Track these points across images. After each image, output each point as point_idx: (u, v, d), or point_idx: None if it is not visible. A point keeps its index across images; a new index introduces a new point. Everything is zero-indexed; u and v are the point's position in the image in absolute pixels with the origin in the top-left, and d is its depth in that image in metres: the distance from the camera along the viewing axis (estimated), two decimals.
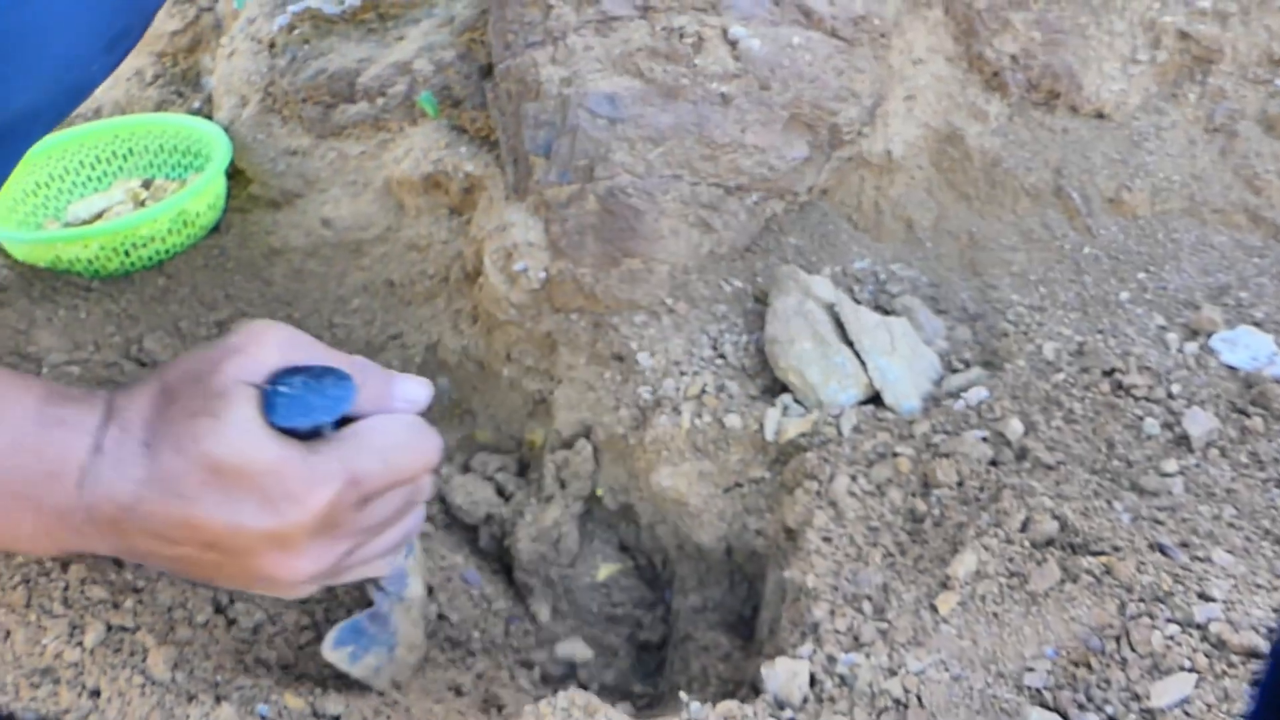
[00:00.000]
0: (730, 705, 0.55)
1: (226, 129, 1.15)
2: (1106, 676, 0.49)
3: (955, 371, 0.79)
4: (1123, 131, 0.87)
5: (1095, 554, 0.55)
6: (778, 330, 0.80)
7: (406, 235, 1.06)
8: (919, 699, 0.52)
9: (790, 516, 0.69)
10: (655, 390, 0.81)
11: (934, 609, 0.56)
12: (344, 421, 0.46)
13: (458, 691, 0.78)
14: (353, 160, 1.10)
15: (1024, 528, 0.59)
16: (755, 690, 0.59)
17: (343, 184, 1.10)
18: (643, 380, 0.82)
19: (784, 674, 0.55)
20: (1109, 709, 0.48)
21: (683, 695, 0.59)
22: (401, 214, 1.08)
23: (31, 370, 0.93)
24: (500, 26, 0.94)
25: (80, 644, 0.61)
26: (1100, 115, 0.89)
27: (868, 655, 0.55)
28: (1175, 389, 0.68)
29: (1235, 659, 0.48)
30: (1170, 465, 0.63)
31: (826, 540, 0.65)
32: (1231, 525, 0.57)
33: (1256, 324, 0.73)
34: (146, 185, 1.14)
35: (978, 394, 0.73)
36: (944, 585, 0.58)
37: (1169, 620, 0.50)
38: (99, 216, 1.08)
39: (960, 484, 0.65)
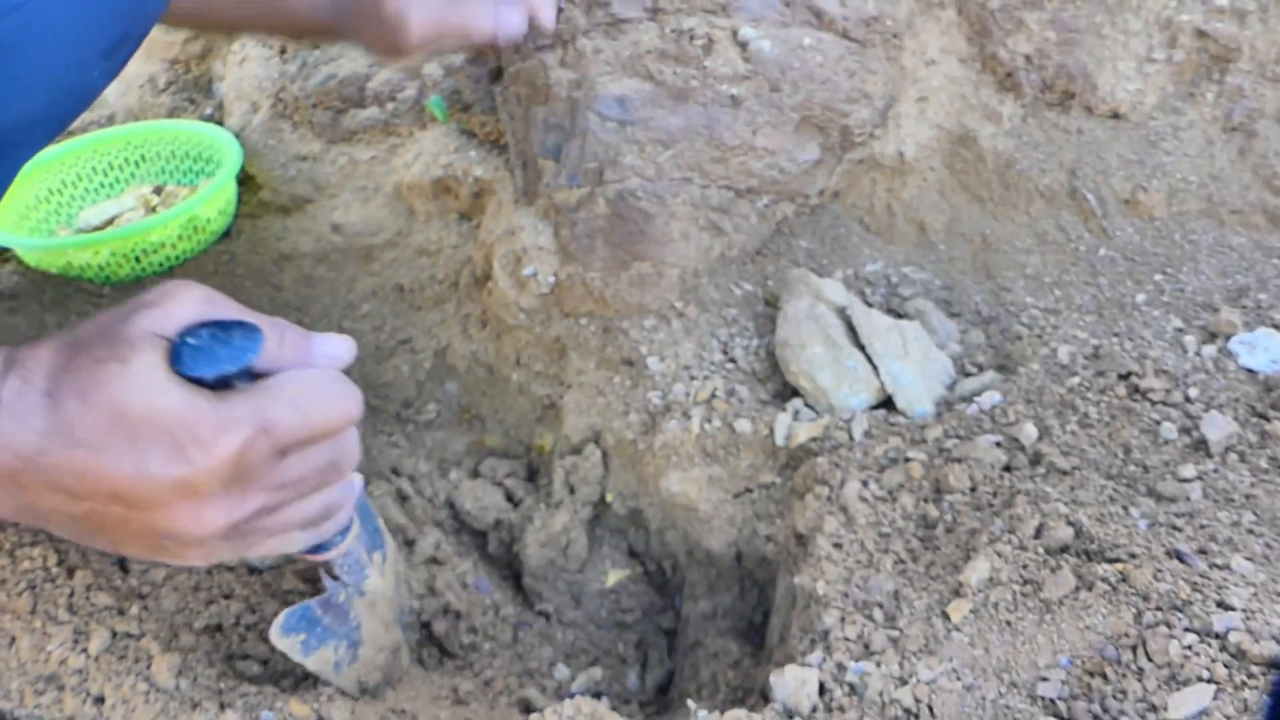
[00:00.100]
0: (738, 714, 0.54)
1: (237, 135, 1.15)
2: (1123, 687, 0.48)
3: (968, 375, 0.78)
4: (1139, 132, 0.86)
5: (1111, 561, 0.54)
6: (788, 334, 0.79)
7: (416, 240, 1.06)
8: (930, 709, 0.51)
9: (801, 522, 0.68)
10: (665, 395, 0.80)
11: (946, 617, 0.55)
12: (258, 379, 0.45)
13: (465, 698, 0.78)
14: (363, 165, 1.10)
15: (1038, 534, 0.58)
16: (765, 698, 0.58)
17: (353, 189, 1.10)
18: (652, 385, 0.82)
19: (793, 682, 0.55)
20: None
21: (690, 703, 0.58)
22: (411, 219, 1.07)
23: None
24: None
25: (85, 650, 0.61)
26: (1116, 115, 0.87)
27: (878, 664, 0.54)
28: (1193, 392, 0.67)
29: (1255, 670, 0.47)
30: (1188, 470, 0.61)
31: (837, 546, 0.64)
32: (1251, 532, 0.56)
33: (1276, 326, 0.72)
34: (158, 191, 1.14)
35: (991, 398, 0.72)
36: (956, 592, 0.57)
37: (1187, 629, 0.49)
38: (110, 223, 1.09)
39: (973, 489, 0.64)
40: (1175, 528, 0.57)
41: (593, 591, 0.86)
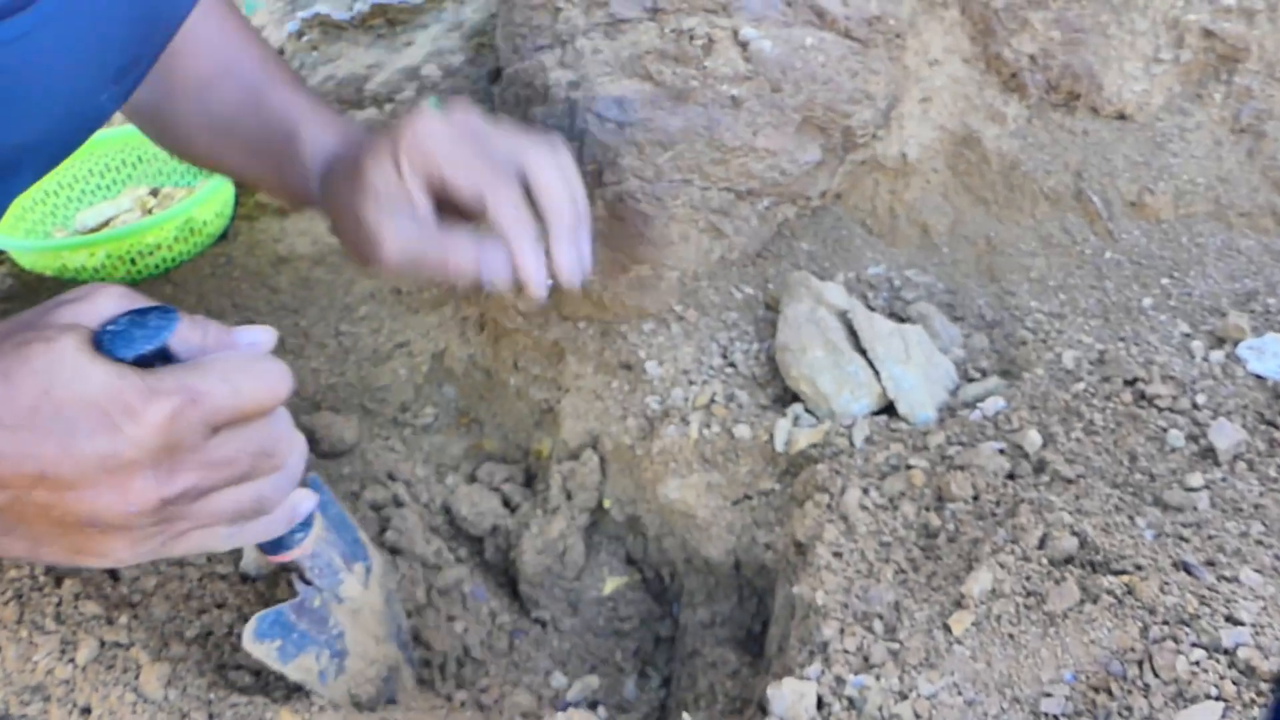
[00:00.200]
0: None
1: None
2: (1128, 703, 0.47)
3: (972, 381, 0.76)
4: (1145, 133, 0.85)
5: (1116, 573, 0.53)
6: (789, 338, 0.78)
7: None
8: None
9: (800, 530, 0.67)
10: (663, 400, 0.79)
11: (947, 629, 0.54)
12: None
13: (461, 707, 0.77)
14: None
15: (1042, 544, 0.57)
16: (762, 710, 0.57)
17: None
18: (651, 390, 0.80)
19: (790, 696, 0.53)
20: None
21: (686, 716, 0.57)
22: None
23: None
24: (508, 30, 0.93)
25: (72, 660, 0.60)
26: (1122, 116, 0.86)
27: (878, 677, 0.53)
28: (1200, 399, 0.66)
29: (1264, 686, 0.45)
30: (1195, 479, 0.60)
31: (837, 555, 0.63)
32: (1260, 543, 0.55)
33: None
34: (154, 193, 1.13)
35: (994, 404, 0.70)
36: (958, 604, 0.55)
37: (1194, 644, 0.48)
38: (106, 224, 1.08)
39: (975, 498, 0.63)
40: (1182, 538, 0.56)
41: (590, 599, 0.85)
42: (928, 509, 0.63)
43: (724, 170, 0.84)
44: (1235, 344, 0.70)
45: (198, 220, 1.04)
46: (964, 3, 0.90)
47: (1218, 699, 0.45)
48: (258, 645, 0.60)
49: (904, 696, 0.51)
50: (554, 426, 0.89)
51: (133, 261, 1.02)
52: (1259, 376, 0.67)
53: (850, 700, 0.52)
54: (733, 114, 0.83)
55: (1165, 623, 0.49)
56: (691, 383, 0.79)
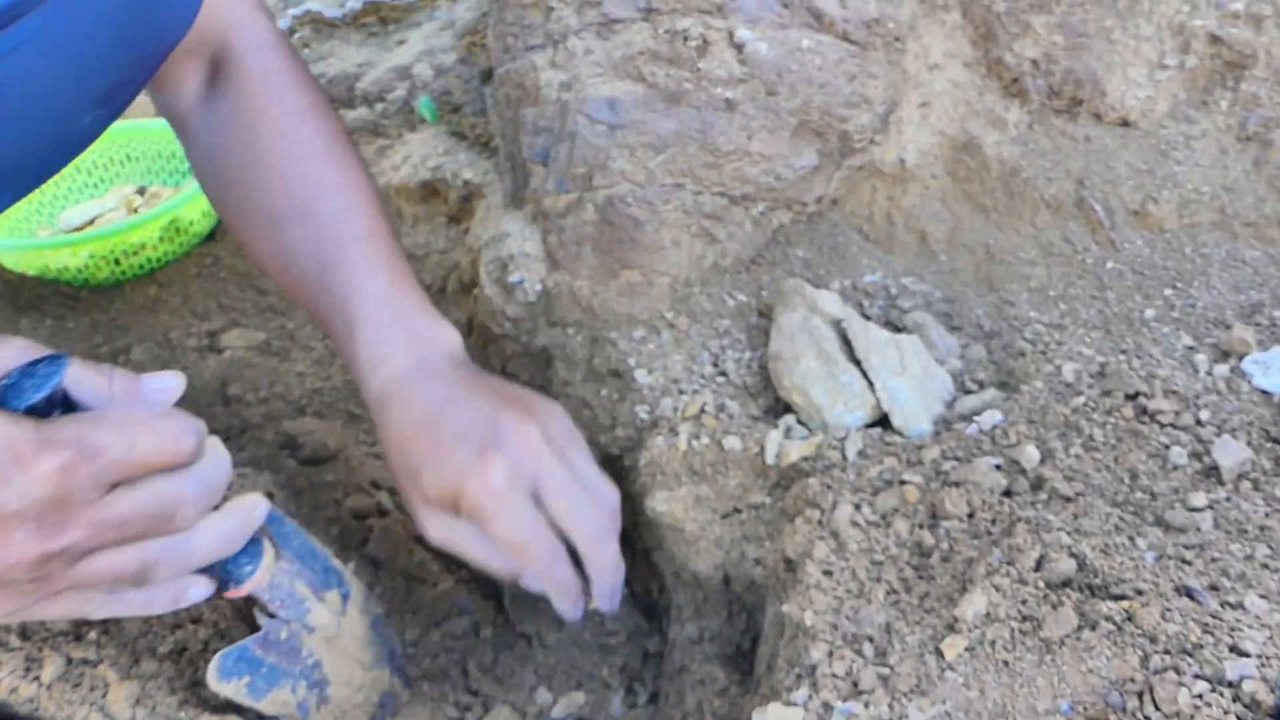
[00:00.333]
0: None
1: None
2: None
3: (969, 393, 0.74)
4: (1149, 140, 0.83)
5: (1116, 598, 0.51)
6: (781, 347, 0.76)
7: (404, 244, 1.03)
8: None
9: (790, 547, 0.65)
10: (653, 410, 0.77)
11: (939, 654, 0.52)
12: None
13: None
14: None
15: (1038, 566, 0.55)
16: None
17: None
18: (640, 399, 0.79)
19: None
20: None
21: None
22: (399, 222, 1.05)
23: None
24: (500, 29, 0.91)
25: (37, 678, 0.58)
26: (1125, 123, 0.84)
27: (867, 704, 0.51)
28: (1204, 415, 0.64)
29: None
30: (1198, 499, 0.58)
31: (827, 574, 0.61)
32: (1265, 566, 0.53)
33: None
34: (141, 192, 1.12)
35: (992, 417, 0.68)
36: (951, 628, 0.53)
37: (1197, 676, 0.46)
38: (91, 223, 1.06)
39: (971, 515, 0.61)
40: (1185, 561, 0.54)
41: None
42: (921, 526, 0.61)
43: (717, 174, 0.82)
44: (1240, 358, 0.69)
45: (184, 220, 1.02)
46: (965, 6, 0.88)
47: None
48: (224, 684, 0.58)
49: None
50: None
51: (117, 262, 1.00)
52: (1265, 392, 0.65)
53: None
54: (727, 117, 0.82)
55: (1167, 652, 0.47)
56: (681, 392, 0.77)
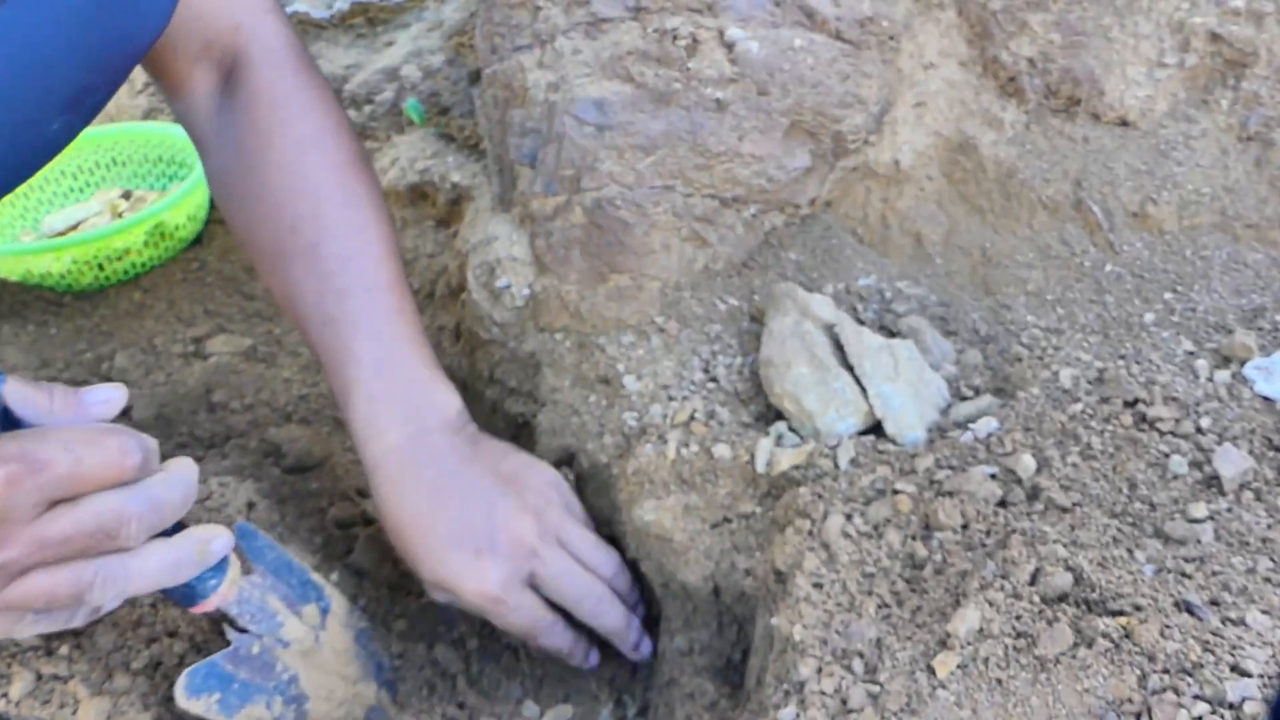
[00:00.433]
0: None
1: None
2: None
3: (964, 399, 0.73)
4: (1148, 140, 0.81)
5: (1113, 614, 0.49)
6: (773, 352, 0.74)
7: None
8: None
9: (780, 558, 0.64)
10: (641, 417, 0.76)
11: (931, 671, 0.51)
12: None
13: None
14: None
15: (1034, 580, 0.53)
16: None
17: None
18: (628, 405, 0.77)
19: None
20: None
21: None
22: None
23: None
24: (488, 29, 0.89)
25: (5, 695, 0.56)
26: (1124, 123, 0.82)
27: None
28: (1205, 423, 0.62)
29: None
30: (1199, 510, 0.56)
31: (817, 586, 0.59)
32: (1268, 580, 0.51)
33: None
34: (126, 196, 1.10)
35: (987, 425, 0.67)
36: (943, 644, 0.52)
37: (1197, 697, 0.44)
38: (75, 228, 1.05)
39: (965, 527, 0.59)
40: (1185, 574, 0.52)
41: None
42: (914, 538, 0.60)
43: (708, 176, 0.81)
44: (1242, 364, 0.67)
45: (169, 225, 1.01)
46: (961, 4, 0.87)
47: None
48: (193, 701, 0.57)
49: None
50: (530, 442, 0.86)
51: (100, 267, 0.99)
52: (1267, 399, 0.63)
53: None
54: (717, 117, 0.80)
55: (1165, 671, 0.45)
56: (671, 399, 0.76)
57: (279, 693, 0.63)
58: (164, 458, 0.88)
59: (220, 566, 0.58)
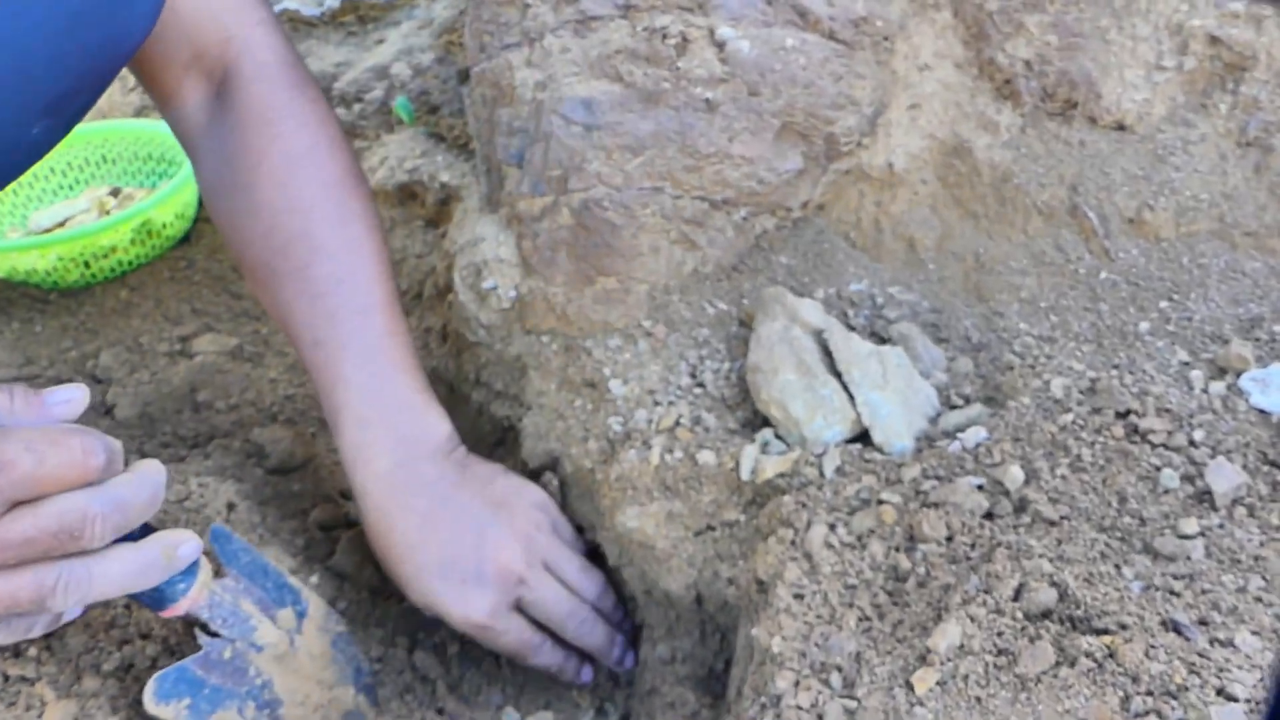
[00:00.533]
0: None
1: None
2: None
3: (954, 408, 0.71)
4: (1146, 145, 0.79)
5: (1097, 632, 0.48)
6: (760, 358, 0.73)
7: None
8: None
9: (762, 567, 0.62)
10: (626, 422, 0.75)
11: (909, 687, 0.49)
12: None
13: None
14: None
15: (1017, 596, 0.52)
16: None
17: None
18: (614, 410, 0.76)
19: None
20: None
21: None
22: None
23: None
24: (477, 27, 0.88)
25: None
26: (1121, 127, 0.81)
27: None
28: (1198, 435, 0.60)
29: None
30: (1189, 525, 0.55)
31: (798, 597, 0.58)
32: (1259, 599, 0.50)
33: None
34: (115, 193, 1.09)
35: (976, 435, 0.65)
36: (923, 659, 0.50)
37: None
38: (62, 225, 1.04)
39: (949, 539, 0.58)
40: (1173, 592, 0.51)
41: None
42: (897, 549, 0.58)
43: (697, 178, 0.79)
44: (1238, 375, 0.65)
45: (156, 222, 1.00)
46: (957, 5, 0.85)
47: None
48: (162, 707, 0.56)
49: None
50: (515, 446, 0.84)
51: (86, 264, 0.98)
52: (1263, 411, 0.62)
53: None
54: (707, 118, 0.79)
55: (1149, 693, 0.44)
56: (657, 404, 0.74)
57: (251, 698, 0.62)
58: (147, 457, 0.88)
59: (190, 570, 0.57)
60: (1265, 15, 0.75)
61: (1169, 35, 0.79)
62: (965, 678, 0.48)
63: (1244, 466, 0.58)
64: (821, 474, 0.66)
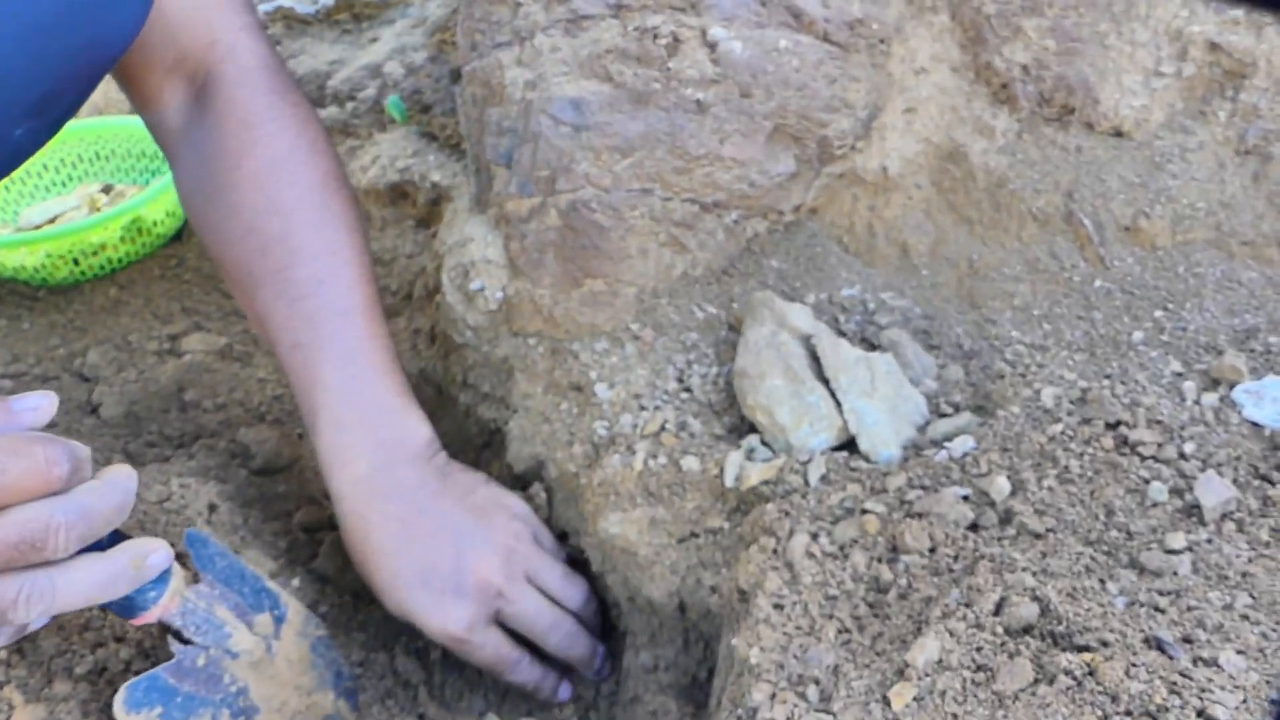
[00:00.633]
0: None
1: None
2: None
3: (943, 416, 0.70)
4: (1143, 152, 0.78)
5: (1078, 649, 0.47)
6: (747, 363, 0.72)
7: (371, 249, 1.00)
8: None
9: (743, 576, 0.61)
10: (611, 426, 0.74)
11: (886, 702, 0.48)
12: None
13: None
14: None
15: (998, 610, 0.51)
16: None
17: None
18: (599, 414, 0.75)
19: None
20: None
21: None
22: (367, 226, 1.01)
23: None
24: (468, 25, 0.87)
25: None
26: (1118, 133, 0.80)
27: None
28: (1189, 448, 0.59)
29: None
30: (1177, 540, 0.54)
31: (778, 608, 0.57)
32: (1246, 618, 0.49)
33: None
34: (107, 190, 1.09)
35: (963, 444, 0.64)
36: (901, 674, 0.49)
37: None
38: (52, 222, 1.03)
39: (932, 550, 0.57)
40: (1158, 609, 0.50)
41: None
42: (880, 560, 0.57)
43: (687, 180, 0.78)
44: (1231, 386, 0.64)
45: (146, 220, 0.99)
46: (954, 7, 0.84)
47: None
48: (133, 716, 0.55)
49: None
50: (502, 449, 0.84)
51: (75, 262, 0.97)
52: (1255, 424, 0.61)
53: None
54: (698, 119, 0.78)
55: (1128, 713, 0.43)
56: (643, 408, 0.73)
57: (226, 705, 0.61)
58: (131, 456, 0.87)
59: (162, 577, 0.56)
60: (1266, 22, 0.74)
61: (1168, 41, 0.78)
62: (942, 694, 0.47)
63: (1234, 480, 0.56)
64: (806, 482, 0.65)
